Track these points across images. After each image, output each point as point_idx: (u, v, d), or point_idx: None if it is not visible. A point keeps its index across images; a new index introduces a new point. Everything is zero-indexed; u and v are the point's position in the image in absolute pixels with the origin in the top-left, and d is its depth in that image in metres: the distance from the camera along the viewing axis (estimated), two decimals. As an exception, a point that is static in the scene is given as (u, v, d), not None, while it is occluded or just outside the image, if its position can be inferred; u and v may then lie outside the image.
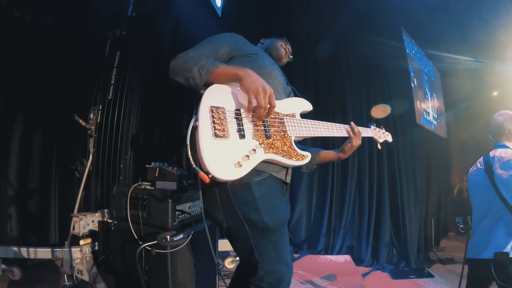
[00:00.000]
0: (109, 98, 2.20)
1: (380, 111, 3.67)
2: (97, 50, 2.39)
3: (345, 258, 3.26)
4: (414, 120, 4.03)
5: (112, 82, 2.22)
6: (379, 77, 3.88)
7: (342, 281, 2.65)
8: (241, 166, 0.92)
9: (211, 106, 0.95)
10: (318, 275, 2.78)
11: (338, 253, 3.43)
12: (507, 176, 1.52)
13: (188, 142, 0.89)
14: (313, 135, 1.17)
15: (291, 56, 1.58)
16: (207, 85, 1.00)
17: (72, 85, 2.58)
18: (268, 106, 0.96)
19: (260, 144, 0.99)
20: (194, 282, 1.59)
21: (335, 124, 1.28)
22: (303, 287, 2.52)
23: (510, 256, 1.47)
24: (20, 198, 2.36)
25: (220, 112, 0.96)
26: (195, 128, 0.91)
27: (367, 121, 3.65)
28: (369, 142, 3.66)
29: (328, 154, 1.42)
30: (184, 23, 3.06)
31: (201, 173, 0.87)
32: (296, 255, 3.33)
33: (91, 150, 2.17)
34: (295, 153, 1.07)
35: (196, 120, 0.91)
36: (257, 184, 0.98)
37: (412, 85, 4.13)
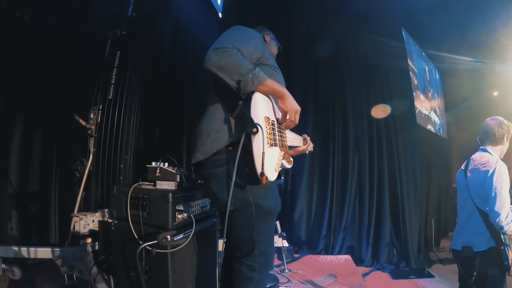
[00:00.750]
0: (109, 98, 2.19)
1: (380, 111, 3.67)
2: (97, 50, 2.39)
3: (345, 258, 3.27)
4: (414, 120, 4.03)
5: (112, 82, 2.21)
6: (379, 77, 3.88)
7: (342, 281, 2.65)
8: (277, 170, 1.09)
9: (265, 116, 1.06)
10: (318, 275, 2.78)
11: (338, 253, 3.43)
12: (473, 178, 1.71)
13: (255, 150, 1.00)
14: (294, 145, 1.48)
15: (280, 48, 1.72)
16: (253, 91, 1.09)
17: (72, 85, 2.58)
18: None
19: (282, 152, 1.17)
20: (194, 282, 1.59)
21: (299, 136, 1.60)
22: (303, 287, 2.52)
23: (474, 250, 1.64)
24: (20, 198, 2.37)
25: (270, 122, 1.09)
26: (253, 134, 1.00)
27: (366, 121, 3.67)
28: (369, 142, 3.68)
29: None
30: (185, 23, 3.06)
31: (263, 177, 1.00)
32: (296, 255, 3.33)
33: (91, 150, 2.16)
34: (289, 159, 1.29)
35: (256, 127, 1.00)
36: None
37: (412, 85, 4.13)
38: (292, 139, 1.42)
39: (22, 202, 2.38)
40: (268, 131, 1.05)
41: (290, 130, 1.36)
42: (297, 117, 1.14)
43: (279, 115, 1.19)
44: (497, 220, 1.54)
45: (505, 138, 1.76)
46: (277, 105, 1.18)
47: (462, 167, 1.85)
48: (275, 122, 1.15)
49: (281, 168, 1.22)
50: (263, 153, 0.99)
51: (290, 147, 1.45)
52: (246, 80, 1.03)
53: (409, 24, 4.28)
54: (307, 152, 1.73)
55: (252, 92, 1.06)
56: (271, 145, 1.05)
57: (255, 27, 1.59)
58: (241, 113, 1.07)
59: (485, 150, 1.77)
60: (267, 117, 1.07)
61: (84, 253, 1.87)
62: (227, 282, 1.29)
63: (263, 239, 1.13)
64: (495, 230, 1.58)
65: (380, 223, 3.54)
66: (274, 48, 1.65)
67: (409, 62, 4.19)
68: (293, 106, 1.12)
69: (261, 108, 1.05)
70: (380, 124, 3.70)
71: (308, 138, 1.66)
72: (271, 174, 1.03)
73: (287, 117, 1.13)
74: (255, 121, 1.01)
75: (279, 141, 1.15)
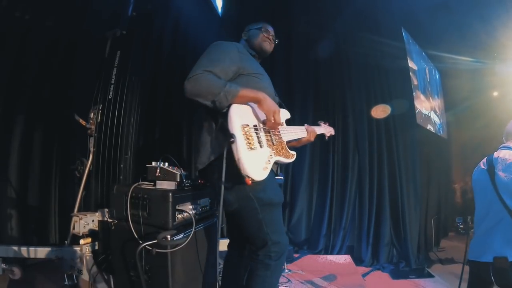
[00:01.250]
0: (109, 97, 2.20)
1: (380, 111, 3.67)
2: (97, 50, 2.39)
3: (345, 258, 3.26)
4: (414, 120, 4.03)
5: (112, 81, 2.22)
6: (379, 77, 3.88)
7: (342, 281, 2.65)
8: (266, 169, 1.20)
9: (241, 125, 1.17)
10: (318, 275, 2.78)
11: (338, 253, 3.42)
12: (507, 179, 1.48)
13: (236, 156, 1.11)
14: (294, 138, 1.51)
15: (276, 40, 1.62)
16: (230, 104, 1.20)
17: (72, 85, 2.58)
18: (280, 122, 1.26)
19: (272, 150, 1.27)
20: (194, 282, 1.59)
21: (299, 127, 1.59)
22: (303, 287, 2.52)
23: (509, 260, 1.42)
24: (20, 197, 2.37)
25: (247, 129, 1.19)
26: (231, 144, 1.12)
27: (367, 121, 3.67)
28: (369, 141, 3.68)
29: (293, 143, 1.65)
30: (184, 23, 3.06)
31: (247, 179, 1.11)
32: (296, 255, 3.32)
33: (91, 149, 2.17)
34: (289, 154, 1.38)
35: (233, 138, 1.12)
36: None
37: (412, 85, 4.13)
38: (290, 133, 1.47)
39: (22, 202, 2.38)
40: (248, 136, 1.17)
41: (286, 125, 1.46)
42: (277, 117, 1.24)
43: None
44: None
45: None
46: None
47: (482, 166, 1.64)
48: (259, 126, 1.26)
49: (277, 165, 1.39)
50: (239, 158, 1.10)
51: (292, 142, 1.53)
52: (220, 99, 1.17)
53: (409, 24, 4.28)
54: (327, 138, 1.86)
55: (230, 106, 1.18)
56: (252, 148, 1.16)
57: (246, 29, 1.58)
58: (221, 126, 1.21)
59: (509, 148, 1.59)
60: (245, 125, 1.18)
61: (84, 253, 1.87)
62: (231, 278, 1.39)
63: (273, 229, 1.24)
64: None
65: (380, 223, 3.54)
66: (266, 44, 1.54)
67: (409, 62, 4.19)
68: (270, 108, 1.22)
69: (236, 119, 1.16)
70: (380, 124, 3.70)
71: (326, 124, 1.81)
72: (256, 174, 1.14)
73: (271, 120, 1.23)
74: (231, 131, 1.13)
75: (267, 141, 1.26)
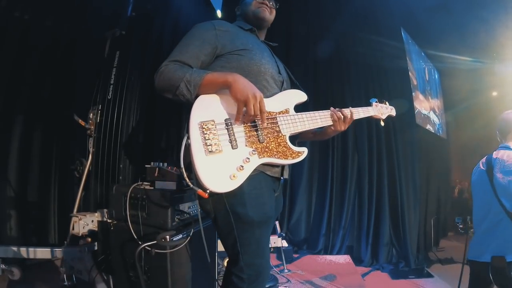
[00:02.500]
0: (109, 98, 2.20)
1: (379, 111, 3.66)
2: (97, 50, 2.39)
3: (344, 258, 3.26)
4: (414, 120, 4.03)
5: (112, 82, 2.22)
6: (378, 77, 3.89)
7: (341, 281, 2.65)
8: (235, 177, 0.94)
9: (200, 122, 0.94)
10: (317, 275, 2.78)
11: (337, 253, 3.43)
12: (505, 181, 1.47)
13: (182, 163, 0.91)
14: (308, 128, 1.13)
15: (277, 5, 1.31)
16: (198, 96, 0.98)
17: (72, 85, 2.58)
18: (259, 112, 0.96)
19: (253, 151, 0.99)
20: (193, 282, 1.59)
21: (323, 111, 1.22)
22: (303, 287, 2.52)
23: (507, 260, 1.43)
24: (20, 198, 2.36)
25: (210, 126, 0.95)
26: (187, 146, 0.92)
27: (366, 121, 3.67)
28: (368, 141, 3.68)
29: (307, 134, 1.31)
30: (184, 23, 3.05)
31: (199, 191, 0.90)
32: (295, 255, 3.32)
33: (91, 150, 2.16)
34: (291, 152, 1.05)
35: (188, 138, 0.91)
36: (247, 180, 0.97)
37: (412, 85, 4.13)
38: (299, 122, 1.10)
39: (21, 202, 2.37)
40: (208, 136, 0.93)
41: (300, 111, 1.13)
42: (252, 106, 0.93)
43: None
44: None
45: None
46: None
47: (481, 166, 1.62)
48: (232, 120, 0.98)
49: (280, 167, 1.10)
50: (193, 165, 0.91)
51: (307, 133, 1.24)
52: (181, 90, 0.97)
53: (408, 24, 4.28)
54: (382, 123, 1.50)
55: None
56: (211, 151, 0.92)
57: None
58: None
59: (508, 148, 1.57)
60: (206, 121, 0.94)
61: (83, 253, 1.87)
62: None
63: (247, 250, 1.00)
64: None
65: (379, 223, 3.54)
66: (262, 10, 1.25)
67: (408, 62, 4.19)
68: (241, 93, 0.93)
69: (195, 115, 0.95)
70: (379, 124, 3.70)
71: (337, 112, 1.23)
72: (217, 184, 0.91)
73: (241, 111, 0.96)
74: (187, 132, 0.93)
75: (247, 138, 0.99)
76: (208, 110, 0.98)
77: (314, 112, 1.17)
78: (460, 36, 4.33)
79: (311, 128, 1.14)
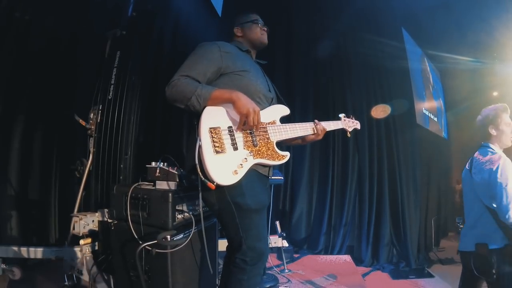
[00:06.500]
0: (109, 97, 2.19)
1: (380, 111, 3.67)
2: (97, 50, 2.39)
3: (345, 258, 3.26)
4: (414, 120, 4.03)
5: (112, 81, 2.21)
6: (379, 77, 3.88)
7: (342, 281, 2.65)
8: (237, 173, 1.18)
9: (209, 128, 1.17)
10: (318, 275, 2.78)
11: (338, 253, 3.43)
12: (478, 178, 1.65)
13: (197, 160, 1.11)
14: (291, 137, 1.40)
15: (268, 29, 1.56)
16: (205, 107, 1.20)
17: (72, 85, 2.58)
18: (257, 123, 1.20)
19: (250, 153, 1.24)
20: (194, 282, 1.59)
21: (303, 123, 1.47)
22: (303, 287, 2.52)
23: (489, 248, 1.56)
24: (20, 198, 2.36)
25: (217, 132, 1.18)
26: (199, 147, 1.13)
27: (366, 121, 3.67)
28: (369, 141, 3.68)
29: (291, 140, 1.53)
30: (184, 23, 3.06)
31: (209, 183, 1.11)
32: (296, 255, 3.33)
33: (91, 150, 2.16)
34: (277, 155, 1.32)
35: (200, 141, 1.13)
36: (245, 175, 1.20)
37: (412, 85, 4.13)
38: (283, 131, 1.36)
39: (22, 202, 2.37)
40: (216, 139, 1.16)
41: (287, 122, 1.39)
42: (251, 119, 1.17)
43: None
44: (506, 217, 1.49)
45: (498, 125, 1.71)
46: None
47: (467, 166, 1.79)
48: (233, 128, 1.23)
49: (268, 167, 1.35)
50: (203, 162, 1.12)
51: (290, 140, 1.47)
52: (192, 103, 1.19)
53: (409, 24, 4.28)
54: (349, 134, 1.72)
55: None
56: (219, 152, 1.15)
57: (237, 23, 1.52)
58: (194, 130, 1.21)
59: (486, 146, 1.74)
60: (214, 128, 1.18)
61: (84, 253, 1.87)
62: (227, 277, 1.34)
63: (249, 234, 1.22)
64: (507, 228, 1.53)
65: (380, 223, 3.54)
66: (265, 37, 1.51)
67: (409, 62, 4.19)
68: (244, 108, 1.17)
69: (205, 122, 1.17)
70: (380, 124, 3.70)
71: (320, 125, 1.49)
72: (223, 178, 1.14)
73: (243, 122, 1.20)
74: (196, 135, 1.15)
75: (245, 143, 1.23)
76: (215, 118, 1.20)
77: (295, 123, 1.44)
78: (460, 36, 4.33)
79: (293, 136, 1.42)
